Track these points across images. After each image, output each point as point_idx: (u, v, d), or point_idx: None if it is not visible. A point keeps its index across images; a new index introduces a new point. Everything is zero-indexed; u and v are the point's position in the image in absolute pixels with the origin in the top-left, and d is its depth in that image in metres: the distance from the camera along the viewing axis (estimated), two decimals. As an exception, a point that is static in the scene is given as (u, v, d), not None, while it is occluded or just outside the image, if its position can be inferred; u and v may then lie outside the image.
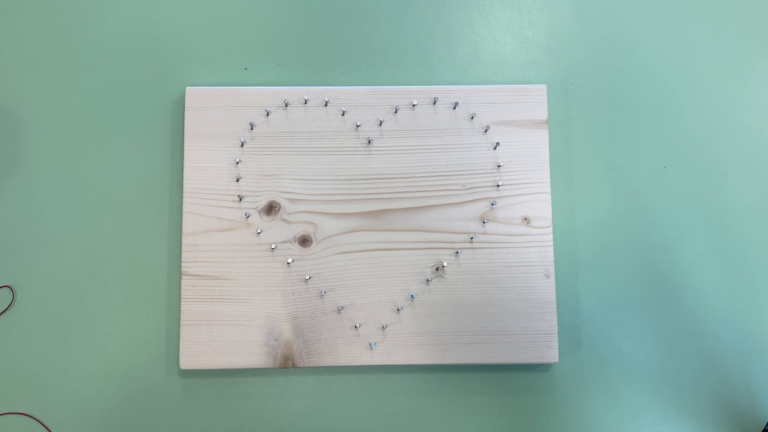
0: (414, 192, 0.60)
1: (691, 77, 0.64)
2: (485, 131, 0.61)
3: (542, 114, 0.61)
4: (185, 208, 0.59)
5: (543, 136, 0.61)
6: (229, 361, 0.57)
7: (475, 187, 0.60)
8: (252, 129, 0.60)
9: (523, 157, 0.61)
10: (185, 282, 0.58)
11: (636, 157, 0.63)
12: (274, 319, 0.58)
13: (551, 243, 0.60)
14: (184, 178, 0.59)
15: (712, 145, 0.63)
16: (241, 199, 0.59)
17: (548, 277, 0.59)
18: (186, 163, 0.60)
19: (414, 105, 0.61)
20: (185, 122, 0.60)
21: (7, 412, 0.58)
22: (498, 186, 0.60)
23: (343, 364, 0.58)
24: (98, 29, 0.63)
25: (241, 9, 0.64)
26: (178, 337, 0.58)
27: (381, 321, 0.58)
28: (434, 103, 0.61)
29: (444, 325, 0.58)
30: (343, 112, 0.60)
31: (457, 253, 0.59)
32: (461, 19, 0.64)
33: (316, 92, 0.61)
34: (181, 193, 0.60)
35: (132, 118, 0.62)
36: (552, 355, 0.58)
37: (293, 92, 0.61)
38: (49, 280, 0.59)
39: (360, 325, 0.58)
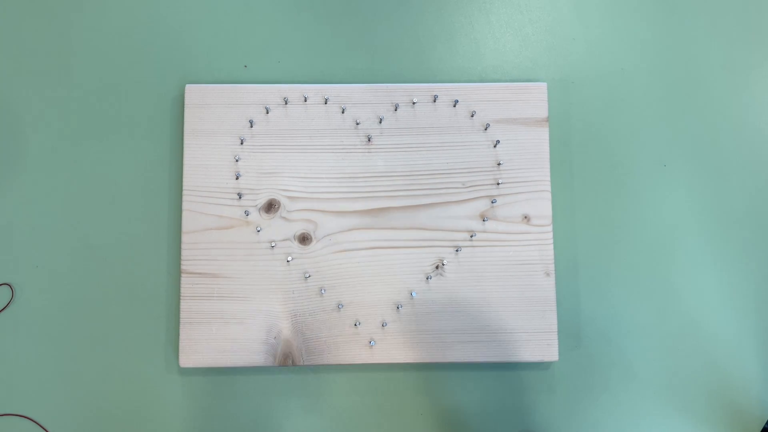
0: (414, 190, 0.60)
1: (691, 75, 0.64)
2: (485, 129, 0.61)
3: (542, 112, 0.61)
4: (184, 205, 0.59)
5: (543, 134, 0.61)
6: (229, 359, 0.57)
7: (475, 185, 0.60)
8: (252, 126, 0.60)
9: (523, 155, 0.60)
10: (184, 280, 0.58)
11: (636, 155, 0.63)
12: (274, 317, 0.58)
13: (551, 241, 0.59)
14: (184, 175, 0.59)
15: (713, 143, 0.63)
16: (240, 197, 0.59)
17: (548, 275, 0.59)
18: (185, 161, 0.59)
19: (414, 103, 0.61)
20: (185, 119, 0.60)
21: (4, 413, 0.57)
22: (498, 184, 0.60)
23: (343, 362, 0.58)
24: (97, 26, 0.63)
25: (240, 6, 0.63)
26: (178, 335, 0.58)
27: (381, 319, 0.58)
28: (434, 101, 0.61)
29: (444, 323, 0.58)
30: (343, 109, 0.60)
31: (457, 251, 0.59)
32: (461, 16, 0.64)
33: (315, 90, 0.60)
34: (181, 190, 0.59)
35: (131, 116, 0.61)
36: (552, 354, 0.58)
37: (293, 89, 0.60)
38: (48, 277, 0.59)
39: (360, 324, 0.58)
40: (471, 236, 0.59)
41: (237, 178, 0.59)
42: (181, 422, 0.58)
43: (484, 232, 0.59)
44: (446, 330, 0.58)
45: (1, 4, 0.62)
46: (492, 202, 0.60)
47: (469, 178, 0.60)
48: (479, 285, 0.59)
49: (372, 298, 0.59)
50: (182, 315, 0.57)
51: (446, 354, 0.58)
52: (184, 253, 0.58)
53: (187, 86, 0.60)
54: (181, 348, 0.57)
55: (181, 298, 0.58)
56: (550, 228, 0.59)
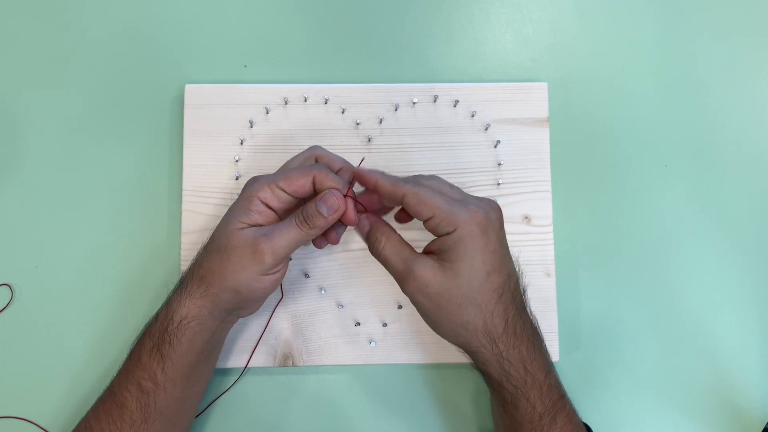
0: (414, 190, 0.60)
1: (692, 75, 0.64)
2: (486, 129, 0.61)
3: (543, 112, 0.61)
4: (184, 206, 0.59)
5: (544, 134, 0.61)
6: (228, 360, 0.57)
7: (476, 185, 0.60)
8: (251, 127, 0.60)
9: (523, 156, 0.60)
10: (184, 280, 0.58)
11: (637, 155, 0.63)
12: (274, 317, 0.58)
13: (552, 242, 0.59)
14: (183, 176, 0.59)
15: (714, 143, 0.63)
16: (240, 197, 0.59)
17: (549, 276, 0.59)
18: (185, 161, 0.59)
19: (414, 103, 0.60)
20: (184, 120, 0.60)
21: (4, 415, 0.57)
22: (498, 184, 0.60)
23: (343, 362, 0.58)
24: (97, 26, 0.62)
25: (240, 6, 0.63)
26: (178, 335, 0.58)
27: (381, 319, 0.58)
28: (435, 101, 0.61)
29: (444, 323, 0.58)
30: (343, 109, 0.60)
31: (457, 251, 0.59)
32: (461, 16, 0.64)
33: (315, 90, 0.60)
34: (180, 191, 0.59)
35: (131, 116, 0.61)
36: (552, 354, 0.57)
37: (293, 90, 0.60)
38: (47, 278, 0.59)
39: (360, 324, 0.58)
40: (471, 236, 0.59)
41: (237, 179, 0.59)
42: (181, 423, 0.58)
43: (485, 232, 0.59)
44: (446, 330, 0.58)
45: (0, 4, 0.62)
46: (492, 203, 0.59)
47: (470, 178, 0.60)
48: (479, 285, 0.58)
49: (372, 298, 0.59)
50: (182, 316, 0.57)
51: (447, 354, 0.58)
52: (184, 254, 0.58)
53: (187, 86, 0.60)
54: (181, 349, 0.57)
55: (181, 298, 0.57)
56: (550, 228, 0.59)
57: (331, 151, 0.51)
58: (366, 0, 0.64)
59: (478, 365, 0.49)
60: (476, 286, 0.45)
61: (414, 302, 0.48)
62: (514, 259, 0.49)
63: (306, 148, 0.51)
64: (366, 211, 0.51)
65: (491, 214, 0.46)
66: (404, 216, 0.51)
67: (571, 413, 0.50)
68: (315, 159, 0.51)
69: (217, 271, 0.48)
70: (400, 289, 0.47)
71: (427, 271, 0.46)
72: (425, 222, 0.46)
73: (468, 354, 0.49)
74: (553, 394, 0.49)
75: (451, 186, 0.49)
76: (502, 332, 0.46)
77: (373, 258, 0.58)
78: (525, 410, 0.48)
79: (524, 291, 0.50)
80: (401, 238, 0.49)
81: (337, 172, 0.50)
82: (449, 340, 0.49)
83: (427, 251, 0.48)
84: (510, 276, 0.47)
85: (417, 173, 0.60)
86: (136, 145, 0.61)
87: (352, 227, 0.51)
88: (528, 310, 0.49)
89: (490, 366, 0.48)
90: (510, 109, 0.61)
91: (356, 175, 0.49)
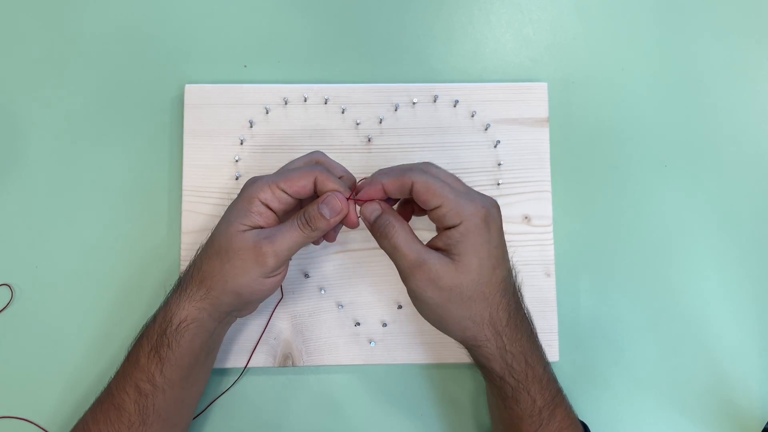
0: (414, 190, 0.60)
1: (692, 75, 0.64)
2: (486, 129, 0.61)
3: (543, 112, 0.61)
4: (184, 206, 0.59)
5: (544, 134, 0.61)
6: (228, 360, 0.57)
7: (476, 185, 0.60)
8: (251, 127, 0.60)
9: (523, 156, 0.60)
10: (184, 280, 0.58)
11: (636, 155, 0.63)
12: (273, 317, 0.58)
13: (552, 242, 0.59)
14: (183, 176, 0.59)
15: (713, 143, 0.63)
16: (240, 197, 0.59)
17: (549, 276, 0.59)
18: (185, 161, 0.59)
19: (414, 103, 0.60)
20: (184, 120, 0.60)
21: (4, 416, 0.57)
22: (498, 184, 0.60)
23: (343, 362, 0.58)
24: (96, 26, 0.62)
25: (240, 6, 0.63)
26: (178, 335, 0.58)
27: (381, 319, 0.58)
28: (434, 101, 0.61)
29: (444, 323, 0.58)
30: (343, 109, 0.60)
31: (457, 251, 0.59)
32: (461, 16, 0.64)
33: (315, 90, 0.60)
34: (180, 191, 0.59)
35: (130, 116, 0.61)
36: (552, 354, 0.58)
37: (293, 90, 0.60)
38: (47, 278, 0.59)
39: (360, 324, 0.58)
40: (471, 236, 0.59)
41: (237, 179, 0.59)
42: (181, 423, 0.58)
43: (485, 232, 0.59)
44: (446, 330, 0.58)
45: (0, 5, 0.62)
46: (492, 203, 0.59)
47: (470, 178, 0.60)
48: (479, 285, 0.58)
49: (372, 298, 0.59)
50: (182, 315, 0.57)
51: (447, 354, 0.58)
52: (184, 254, 0.58)
53: (187, 86, 0.60)
54: (181, 349, 0.57)
55: (181, 298, 0.57)
56: (550, 228, 0.59)
57: (331, 150, 0.51)
58: (366, 0, 0.64)
59: (481, 360, 0.49)
60: (485, 279, 0.46)
61: (419, 296, 0.47)
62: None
63: (306, 148, 0.51)
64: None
65: (492, 210, 0.47)
66: (406, 213, 0.51)
67: (568, 409, 0.51)
68: (316, 163, 0.51)
69: (217, 274, 0.48)
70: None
71: (441, 265, 0.46)
72: (431, 211, 0.46)
73: (472, 349, 0.49)
74: (552, 388, 0.50)
75: (454, 177, 0.49)
76: (506, 325, 0.47)
77: (372, 258, 0.59)
78: (526, 404, 0.48)
79: (519, 287, 0.51)
80: (412, 229, 0.48)
81: None
82: (454, 335, 0.49)
83: (432, 247, 0.47)
84: (510, 270, 0.49)
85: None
86: (136, 145, 0.61)
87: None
88: (523, 305, 0.50)
89: (494, 360, 0.48)
90: (510, 109, 0.61)
91: (361, 189, 0.49)
